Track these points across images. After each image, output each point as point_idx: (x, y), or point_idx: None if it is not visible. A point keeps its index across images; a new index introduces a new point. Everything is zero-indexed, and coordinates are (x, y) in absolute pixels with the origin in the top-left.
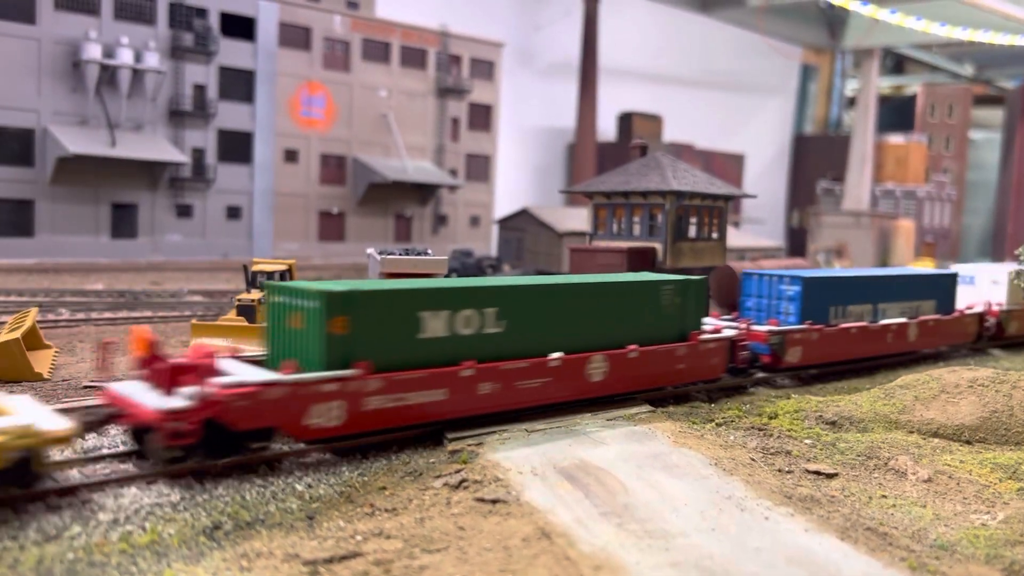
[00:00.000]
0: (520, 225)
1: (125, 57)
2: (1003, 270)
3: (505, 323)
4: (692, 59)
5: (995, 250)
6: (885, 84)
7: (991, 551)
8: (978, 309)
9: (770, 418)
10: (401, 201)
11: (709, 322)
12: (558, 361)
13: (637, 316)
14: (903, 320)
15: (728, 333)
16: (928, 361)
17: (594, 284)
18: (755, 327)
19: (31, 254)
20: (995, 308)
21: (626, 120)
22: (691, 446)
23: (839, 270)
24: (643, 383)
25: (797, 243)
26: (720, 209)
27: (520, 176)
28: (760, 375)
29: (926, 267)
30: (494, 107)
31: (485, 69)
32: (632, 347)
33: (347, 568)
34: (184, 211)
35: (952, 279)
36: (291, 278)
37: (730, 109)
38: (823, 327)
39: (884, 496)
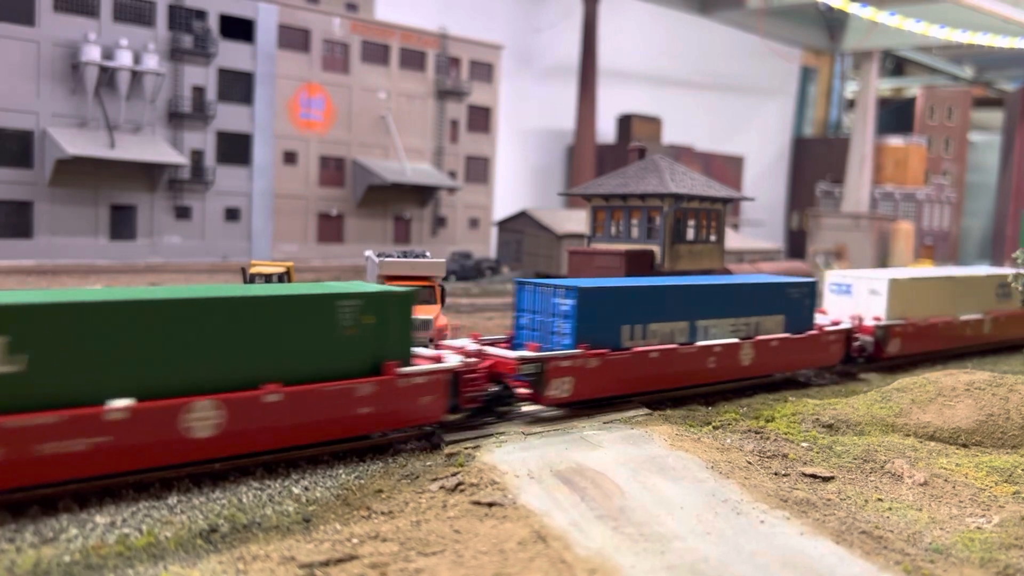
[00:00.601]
0: (519, 227)
1: (124, 59)
2: (883, 277)
3: (25, 358)
4: (692, 61)
5: (995, 253)
6: (884, 86)
7: (986, 555)
8: (845, 325)
9: (767, 421)
10: (400, 203)
11: (450, 346)
12: (124, 412)
13: (291, 343)
14: (732, 341)
15: (452, 363)
16: (772, 389)
17: (209, 300)
18: (500, 353)
19: (30, 255)
20: (870, 323)
21: (625, 122)
22: (688, 449)
23: (638, 279)
24: (293, 436)
25: (797, 245)
26: (718, 212)
27: (519, 178)
28: (523, 411)
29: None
30: (493, 109)
31: (484, 71)
32: (272, 387)
33: (343, 571)
34: (183, 213)
35: (809, 288)
36: (289, 280)
37: (730, 111)
38: (607, 351)
39: (880, 499)
